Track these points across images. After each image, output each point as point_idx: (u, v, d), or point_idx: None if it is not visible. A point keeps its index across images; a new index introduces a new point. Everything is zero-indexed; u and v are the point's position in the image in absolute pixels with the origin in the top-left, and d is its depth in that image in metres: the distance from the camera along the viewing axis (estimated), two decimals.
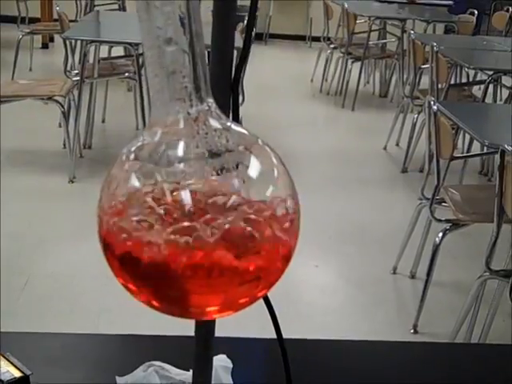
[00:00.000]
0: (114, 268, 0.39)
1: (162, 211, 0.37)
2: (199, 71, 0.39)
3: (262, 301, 0.59)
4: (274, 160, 0.42)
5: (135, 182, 0.39)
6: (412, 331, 2.41)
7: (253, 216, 0.38)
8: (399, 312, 2.58)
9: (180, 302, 0.38)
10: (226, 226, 0.37)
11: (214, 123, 0.40)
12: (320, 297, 2.64)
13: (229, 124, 0.41)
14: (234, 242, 0.37)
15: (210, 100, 0.40)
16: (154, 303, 0.39)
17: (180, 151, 0.40)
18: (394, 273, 2.81)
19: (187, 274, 0.37)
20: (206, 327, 0.48)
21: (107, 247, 0.39)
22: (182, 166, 0.39)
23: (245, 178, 0.40)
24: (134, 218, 0.38)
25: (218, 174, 0.39)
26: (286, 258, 0.41)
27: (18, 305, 2.37)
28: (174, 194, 0.38)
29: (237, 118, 0.44)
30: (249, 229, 0.38)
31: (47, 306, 2.38)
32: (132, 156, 0.41)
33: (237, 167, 0.40)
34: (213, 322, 0.48)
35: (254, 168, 0.40)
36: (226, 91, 0.44)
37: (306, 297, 2.62)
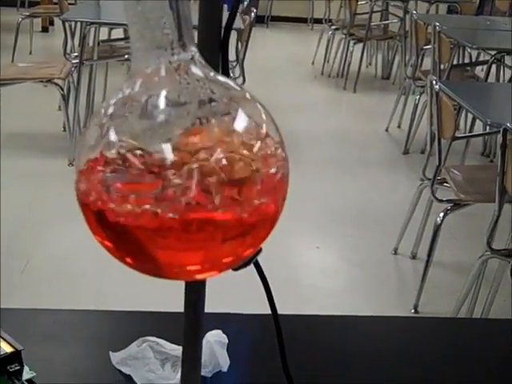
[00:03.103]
0: (90, 225, 0.38)
1: (140, 165, 0.36)
2: (181, 18, 0.37)
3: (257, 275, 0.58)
4: (264, 116, 0.40)
5: (112, 136, 0.38)
6: (413, 311, 2.40)
7: (238, 169, 0.37)
8: (400, 292, 2.58)
9: (158, 259, 0.37)
10: (209, 179, 0.36)
11: (198, 72, 0.39)
12: (321, 278, 2.64)
13: (213, 74, 0.40)
14: (216, 194, 0.36)
15: (194, 49, 0.38)
16: (129, 261, 0.38)
17: (161, 102, 0.38)
18: (395, 253, 2.81)
19: (163, 228, 0.35)
20: (194, 293, 0.47)
21: (84, 204, 0.38)
22: (162, 116, 0.38)
23: (230, 130, 0.38)
24: (111, 173, 0.36)
25: (200, 125, 0.38)
26: (274, 215, 0.40)
27: (18, 287, 2.37)
28: (154, 146, 0.37)
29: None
30: (233, 182, 0.37)
31: (47, 288, 2.38)
32: (110, 109, 0.39)
33: (221, 119, 0.38)
34: (202, 289, 0.47)
35: (240, 121, 0.39)
36: (215, 50, 0.42)
37: (307, 279, 2.62)
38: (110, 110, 0.39)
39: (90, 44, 3.92)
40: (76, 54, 3.79)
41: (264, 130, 0.40)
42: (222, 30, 0.42)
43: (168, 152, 0.37)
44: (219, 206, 0.36)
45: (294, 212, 3.19)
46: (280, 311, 0.80)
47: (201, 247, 0.37)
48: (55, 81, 3.46)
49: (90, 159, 0.38)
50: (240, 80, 3.80)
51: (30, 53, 5.64)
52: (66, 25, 3.82)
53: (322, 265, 2.76)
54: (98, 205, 0.37)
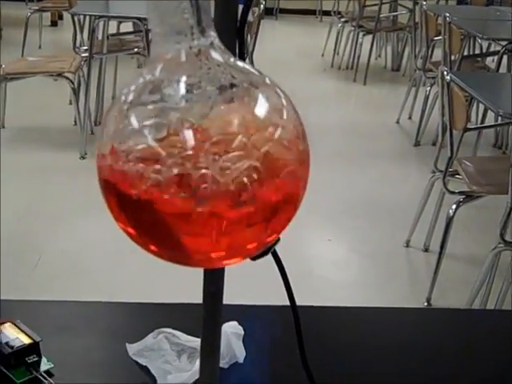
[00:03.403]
0: (113, 211, 0.38)
1: (163, 151, 0.36)
2: (200, 3, 0.37)
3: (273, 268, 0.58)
4: (284, 101, 0.40)
5: (134, 122, 0.38)
6: (425, 304, 2.40)
7: (260, 156, 0.37)
8: (412, 285, 2.57)
9: (182, 245, 0.37)
10: (232, 166, 0.36)
11: (218, 57, 0.38)
12: (333, 271, 2.63)
13: (233, 60, 0.39)
14: (240, 181, 0.36)
15: (213, 34, 0.38)
16: (153, 248, 0.38)
17: (182, 87, 0.38)
18: (407, 246, 2.80)
19: (188, 214, 0.35)
20: (213, 284, 0.47)
21: (107, 190, 0.38)
22: (183, 102, 0.38)
23: (251, 114, 0.38)
24: (134, 160, 0.36)
25: (224, 111, 0.37)
26: (295, 200, 0.39)
27: (31, 282, 2.38)
28: (177, 132, 0.37)
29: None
30: (256, 168, 0.36)
31: (59, 282, 2.39)
32: (131, 95, 0.39)
33: (242, 104, 0.38)
34: (221, 279, 0.47)
35: (261, 106, 0.39)
36: (232, 36, 0.42)
37: (318, 271, 2.62)
38: (131, 96, 0.39)
39: (100, 38, 3.92)
40: (85, 47, 3.79)
41: (285, 115, 0.39)
42: (239, 17, 0.42)
43: (191, 138, 0.36)
44: (244, 191, 0.36)
45: (304, 204, 3.14)
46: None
47: (225, 233, 0.37)
48: (65, 75, 3.47)
49: (113, 144, 0.38)
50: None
51: (40, 47, 5.65)
52: (75, 19, 3.82)
53: (333, 257, 2.76)
54: (122, 190, 0.37)
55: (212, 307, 0.47)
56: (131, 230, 0.38)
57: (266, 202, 0.37)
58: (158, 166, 0.36)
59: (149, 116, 0.38)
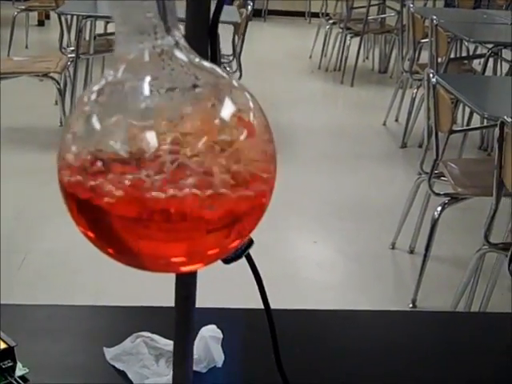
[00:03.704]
0: (73, 215, 0.37)
1: (122, 152, 0.35)
2: (165, 1, 0.36)
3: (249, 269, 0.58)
4: (251, 103, 0.39)
5: (95, 124, 0.37)
6: (411, 306, 2.40)
7: (223, 158, 0.36)
8: (398, 287, 2.57)
9: (139, 250, 0.36)
10: (192, 168, 0.35)
11: (182, 57, 0.38)
12: (318, 273, 2.63)
13: (198, 60, 0.39)
14: (200, 183, 0.35)
15: (178, 34, 0.38)
16: (111, 252, 0.37)
17: (144, 88, 0.37)
18: (393, 248, 2.80)
19: (145, 218, 0.35)
20: (185, 287, 0.46)
21: (66, 193, 0.37)
22: (146, 104, 0.37)
23: (215, 116, 0.37)
24: (93, 163, 0.36)
25: (186, 113, 0.37)
26: (261, 205, 0.39)
27: (15, 282, 2.36)
28: (138, 134, 0.36)
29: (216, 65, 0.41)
30: (218, 171, 0.36)
31: (44, 283, 2.37)
32: (93, 96, 0.38)
33: (206, 106, 0.37)
34: (192, 283, 0.46)
35: (226, 108, 0.38)
36: (204, 37, 0.41)
37: (304, 273, 2.61)
38: (93, 97, 0.38)
39: (87, 38, 3.90)
40: (72, 47, 3.78)
41: (251, 118, 0.39)
42: (211, 16, 0.42)
43: (151, 139, 0.36)
44: (203, 195, 0.35)
45: (290, 206, 3.19)
46: (276, 305, 0.79)
47: (184, 238, 0.36)
48: (51, 75, 3.45)
49: (73, 147, 0.37)
50: (237, 74, 3.79)
51: (26, 47, 5.62)
52: (62, 18, 3.80)
53: (318, 258, 2.76)
54: (80, 193, 0.36)
55: (184, 311, 0.47)
56: (90, 234, 0.38)
57: (228, 207, 0.36)
58: (116, 169, 0.35)
59: (110, 118, 0.37)
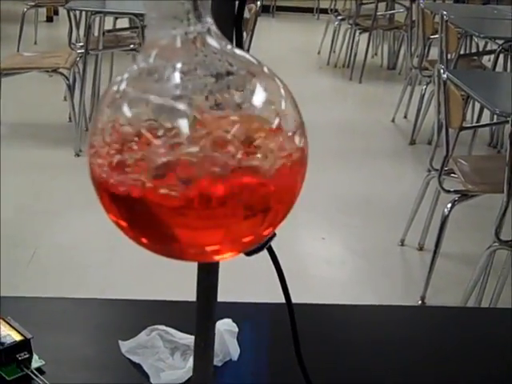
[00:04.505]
0: (104, 204, 0.37)
1: (156, 140, 0.35)
2: None
3: (268, 265, 0.57)
4: (283, 91, 0.39)
5: (127, 113, 0.37)
6: (420, 303, 2.39)
7: (257, 144, 0.36)
8: (407, 284, 2.57)
9: (175, 238, 0.36)
10: (227, 157, 0.35)
11: (214, 44, 0.37)
12: (327, 269, 2.63)
13: (230, 47, 0.38)
14: (235, 174, 0.35)
15: (210, 20, 0.37)
16: (145, 241, 0.37)
17: (177, 74, 0.37)
18: (402, 245, 2.79)
19: (182, 205, 0.34)
20: (207, 279, 0.46)
21: (98, 182, 0.37)
22: (179, 90, 0.37)
23: (248, 104, 0.37)
24: (126, 151, 0.35)
25: (218, 101, 0.36)
26: (292, 193, 0.39)
27: (25, 277, 2.37)
28: (171, 122, 0.36)
29: None
30: (253, 157, 0.36)
31: (53, 278, 2.38)
32: (124, 83, 0.38)
33: (239, 92, 0.37)
34: (215, 274, 0.46)
35: (259, 95, 0.38)
36: (230, 25, 0.41)
37: (312, 269, 2.61)
38: (124, 84, 0.38)
39: (96, 34, 3.90)
40: (81, 43, 3.78)
41: (283, 105, 0.39)
42: (236, 5, 0.41)
43: (184, 126, 0.35)
44: (239, 181, 0.35)
45: (299, 202, 3.15)
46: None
47: (221, 225, 0.36)
48: (60, 70, 3.45)
49: (105, 134, 0.37)
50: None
51: (35, 43, 5.63)
52: (71, 14, 3.80)
53: (327, 255, 2.75)
54: (113, 181, 0.36)
55: (206, 302, 0.47)
56: (123, 223, 0.37)
57: (263, 195, 0.36)
58: (150, 158, 0.35)
59: (142, 104, 0.37)
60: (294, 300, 0.78)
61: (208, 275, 0.46)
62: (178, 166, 0.35)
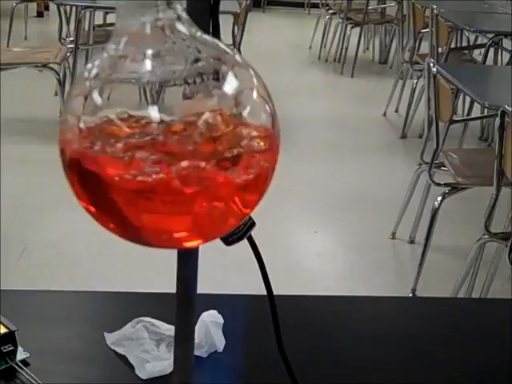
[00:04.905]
0: (75, 189, 0.37)
1: (124, 126, 0.35)
2: None
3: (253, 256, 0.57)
4: (255, 80, 0.39)
5: (97, 98, 0.37)
6: (411, 295, 2.40)
7: (225, 131, 0.36)
8: (398, 277, 2.58)
9: (142, 224, 0.36)
10: (195, 139, 0.35)
11: (184, 31, 0.37)
12: (319, 263, 2.63)
13: (200, 34, 0.38)
14: (202, 155, 0.35)
15: (180, 7, 0.37)
16: (113, 227, 0.37)
17: (146, 62, 0.37)
18: (393, 238, 2.80)
19: (147, 190, 0.34)
20: (186, 268, 0.46)
21: (68, 167, 0.37)
22: (147, 77, 0.37)
23: (217, 92, 0.37)
24: (96, 136, 0.35)
25: (187, 86, 0.36)
26: (263, 183, 0.38)
27: (15, 273, 2.36)
28: (140, 108, 0.36)
29: None
30: (221, 144, 0.36)
31: (44, 273, 2.37)
32: (95, 70, 0.38)
33: (208, 80, 0.37)
34: (194, 264, 0.46)
35: (229, 83, 0.38)
36: (205, 17, 0.41)
37: (304, 263, 2.62)
38: (95, 71, 0.38)
39: (86, 29, 3.89)
40: (71, 38, 3.77)
41: (254, 95, 0.39)
42: None
43: (153, 113, 0.36)
44: (206, 168, 0.35)
45: (290, 196, 3.18)
46: (276, 294, 0.79)
47: (187, 212, 0.36)
48: (50, 65, 3.44)
49: (75, 120, 0.37)
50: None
51: (25, 38, 5.61)
52: (61, 9, 3.79)
53: (319, 249, 2.76)
54: (80, 166, 0.36)
55: (185, 293, 0.47)
56: (92, 208, 0.37)
57: (230, 184, 0.36)
58: (119, 143, 0.35)
59: (112, 92, 0.37)
60: (285, 292, 0.78)
61: (187, 265, 0.46)
62: (144, 151, 0.35)
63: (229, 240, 0.46)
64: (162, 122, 0.35)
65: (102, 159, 0.35)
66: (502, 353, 0.80)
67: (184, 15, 0.37)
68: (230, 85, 0.38)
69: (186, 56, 0.37)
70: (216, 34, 0.42)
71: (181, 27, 0.37)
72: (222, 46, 0.39)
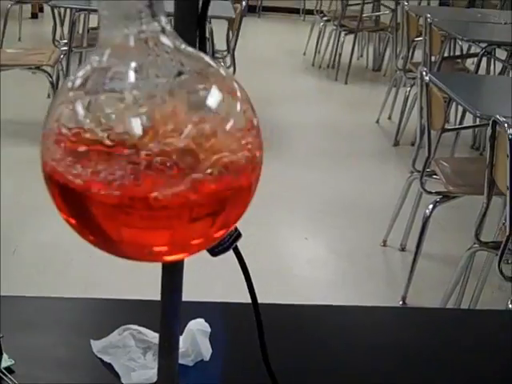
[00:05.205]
0: (56, 202, 0.37)
1: (105, 139, 0.35)
2: None
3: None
4: (239, 94, 0.39)
5: (79, 110, 0.37)
6: (401, 303, 2.40)
7: (208, 146, 0.36)
8: (388, 284, 2.58)
9: (121, 238, 0.36)
10: (175, 155, 0.35)
11: (168, 43, 0.37)
12: (310, 269, 2.63)
13: (184, 47, 0.38)
14: (184, 172, 0.35)
15: (164, 19, 0.37)
16: (93, 239, 0.37)
17: (129, 74, 0.37)
18: (384, 245, 2.81)
19: (126, 205, 0.34)
20: (171, 279, 0.46)
21: (49, 179, 0.37)
22: (130, 90, 0.37)
23: (200, 105, 0.37)
24: (76, 148, 0.35)
25: (170, 99, 0.36)
26: (246, 195, 0.38)
27: (6, 275, 2.34)
28: (122, 121, 0.36)
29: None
30: (202, 159, 0.35)
31: (34, 275, 2.36)
32: (78, 81, 0.38)
33: (191, 93, 0.37)
34: (179, 274, 0.46)
35: (211, 97, 0.37)
36: (192, 27, 0.41)
37: (295, 269, 2.61)
38: (78, 82, 0.38)
39: (80, 31, 3.89)
40: (65, 41, 3.76)
41: (238, 108, 0.38)
42: (200, 5, 0.41)
43: (134, 126, 0.35)
44: (186, 183, 0.35)
45: (282, 202, 3.18)
46: (267, 300, 0.79)
47: (166, 227, 0.36)
48: (44, 68, 3.43)
49: (56, 132, 0.37)
50: (231, 69, 3.78)
51: (19, 39, 5.59)
52: (56, 11, 3.78)
53: (310, 255, 2.75)
54: (61, 179, 0.36)
55: (169, 302, 0.47)
56: (72, 221, 0.37)
57: (212, 195, 0.36)
58: (98, 155, 0.35)
59: (93, 104, 0.37)
60: (275, 299, 0.78)
61: (172, 275, 0.46)
62: (123, 166, 0.35)
63: (215, 251, 0.46)
64: (142, 135, 0.35)
65: (81, 173, 0.35)
66: (491, 363, 0.80)
67: (168, 28, 0.37)
68: (213, 98, 0.37)
69: (169, 69, 0.37)
70: (202, 46, 0.42)
71: (165, 40, 0.37)
72: (207, 59, 0.39)
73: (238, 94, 0.39)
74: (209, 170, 0.35)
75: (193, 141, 0.35)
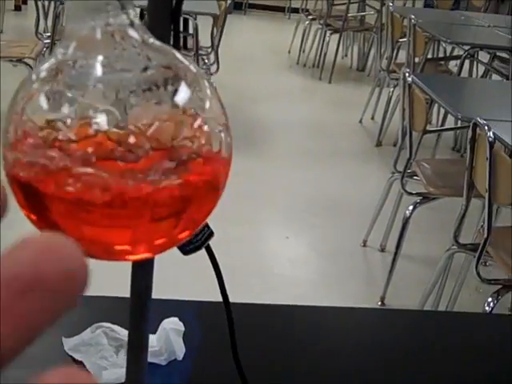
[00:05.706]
0: (18, 199, 0.36)
1: (67, 134, 0.34)
2: None
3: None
4: (208, 92, 0.38)
5: (42, 104, 0.36)
6: (379, 303, 2.41)
7: (172, 147, 0.35)
8: (368, 284, 2.59)
9: (81, 235, 0.35)
10: (137, 151, 0.34)
11: (135, 37, 0.36)
12: (290, 268, 2.63)
13: (153, 41, 0.37)
14: (145, 168, 0.34)
15: (133, 12, 0.36)
16: None
17: (94, 68, 0.36)
18: (364, 245, 2.81)
19: (86, 202, 0.34)
20: (140, 277, 0.45)
21: (9, 176, 0.36)
22: (94, 85, 0.36)
23: (165, 102, 0.36)
24: (36, 144, 0.34)
25: (135, 94, 0.36)
26: (212, 196, 0.38)
27: None
28: (85, 117, 0.35)
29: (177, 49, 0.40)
30: (165, 155, 0.35)
31: None
32: (42, 75, 0.37)
33: (158, 89, 0.36)
34: (148, 273, 0.45)
35: (179, 93, 0.37)
36: (166, 20, 0.40)
37: (276, 268, 2.61)
38: (42, 75, 0.37)
39: (63, 24, 3.85)
40: (48, 33, 3.72)
41: (206, 106, 0.38)
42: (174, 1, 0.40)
43: (98, 121, 0.35)
44: (148, 180, 0.34)
45: (263, 200, 3.18)
46: (246, 300, 0.78)
47: (127, 226, 0.35)
48: (25, 60, 3.39)
49: (18, 128, 0.36)
50: (214, 67, 3.77)
51: (2, 31, 5.53)
52: (39, 3, 3.74)
53: (291, 254, 2.76)
54: (20, 174, 0.35)
55: (139, 301, 0.46)
56: (33, 217, 0.37)
57: (173, 197, 0.35)
58: (58, 152, 0.34)
59: (56, 98, 0.36)
60: (255, 298, 0.77)
61: (141, 275, 0.45)
62: (83, 162, 0.34)
63: (186, 249, 0.45)
64: (105, 131, 0.34)
65: (40, 169, 0.34)
66: (468, 365, 0.81)
67: (137, 21, 0.36)
68: (180, 94, 0.37)
69: (135, 63, 0.36)
70: (176, 40, 0.41)
71: (133, 33, 0.36)
72: (177, 54, 0.38)
73: (207, 90, 0.38)
74: (174, 167, 0.35)
75: (157, 137, 0.35)
